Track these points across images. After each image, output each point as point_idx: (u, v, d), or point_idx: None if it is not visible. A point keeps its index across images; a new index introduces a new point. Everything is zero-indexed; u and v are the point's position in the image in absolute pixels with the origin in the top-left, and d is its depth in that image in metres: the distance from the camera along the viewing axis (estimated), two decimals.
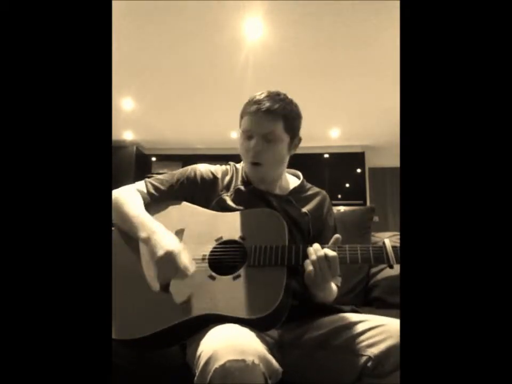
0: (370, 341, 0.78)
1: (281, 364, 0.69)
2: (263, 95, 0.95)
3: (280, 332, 0.89)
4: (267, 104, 0.93)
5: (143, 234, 0.86)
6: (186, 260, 0.82)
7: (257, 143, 0.94)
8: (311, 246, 0.82)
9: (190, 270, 0.81)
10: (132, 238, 0.91)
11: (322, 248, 0.80)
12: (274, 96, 0.95)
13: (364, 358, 0.77)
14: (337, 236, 0.83)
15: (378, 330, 0.79)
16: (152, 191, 0.99)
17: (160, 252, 0.81)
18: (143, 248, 0.88)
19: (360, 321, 0.83)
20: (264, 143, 0.94)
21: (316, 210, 1.02)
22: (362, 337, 0.80)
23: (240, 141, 0.99)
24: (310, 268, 0.79)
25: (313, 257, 0.79)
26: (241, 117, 0.99)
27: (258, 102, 0.93)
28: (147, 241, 0.85)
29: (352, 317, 0.86)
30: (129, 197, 0.96)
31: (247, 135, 0.96)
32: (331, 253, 0.79)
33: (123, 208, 0.92)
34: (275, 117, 0.93)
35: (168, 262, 0.80)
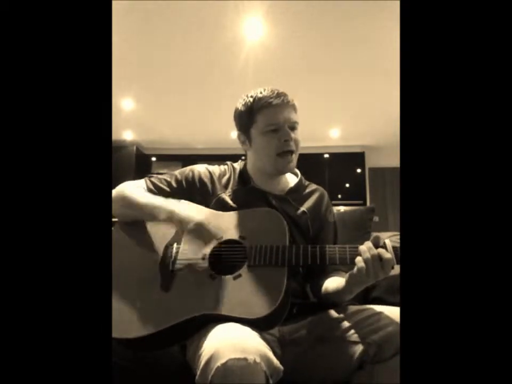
0: (370, 328, 0.80)
1: (282, 361, 0.69)
2: (270, 90, 0.98)
3: (281, 330, 0.89)
4: (286, 96, 0.97)
5: (162, 215, 0.88)
6: (214, 225, 0.87)
7: (289, 132, 0.96)
8: (312, 245, 0.83)
9: (221, 233, 0.87)
10: (132, 237, 0.92)
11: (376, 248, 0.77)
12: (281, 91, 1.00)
13: (365, 345, 0.79)
14: (376, 234, 0.82)
15: (377, 317, 0.81)
16: (152, 188, 1.00)
17: (191, 225, 0.84)
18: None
19: (358, 311, 0.85)
20: (291, 132, 0.97)
21: (314, 208, 1.02)
22: (361, 325, 0.82)
23: (261, 137, 0.97)
24: (362, 264, 0.76)
25: (367, 255, 0.76)
26: (255, 113, 0.97)
27: (279, 96, 0.96)
28: (170, 220, 0.88)
29: (351, 307, 0.89)
30: (135, 189, 0.98)
31: (274, 127, 0.96)
32: (386, 255, 0.75)
33: (133, 198, 0.95)
34: (294, 108, 0.99)
35: (202, 231, 0.85)
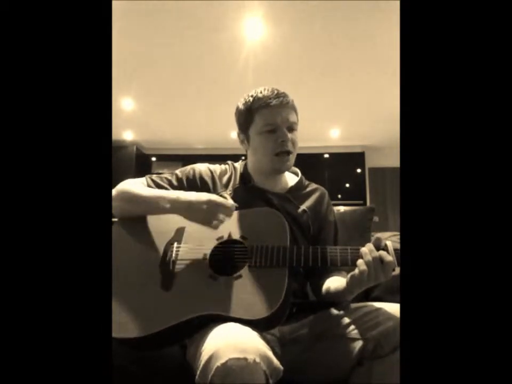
0: (369, 324, 0.81)
1: (282, 361, 0.69)
2: (270, 90, 0.98)
3: (281, 329, 0.89)
4: (286, 97, 0.98)
5: (167, 205, 0.88)
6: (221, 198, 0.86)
7: (286, 133, 0.97)
8: (313, 247, 0.83)
9: (232, 203, 0.85)
10: (132, 236, 0.92)
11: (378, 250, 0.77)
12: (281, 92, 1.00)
13: (364, 341, 0.80)
14: (378, 236, 0.80)
15: (376, 314, 0.82)
16: (153, 186, 1.00)
17: (204, 206, 0.83)
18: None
19: (358, 308, 0.86)
20: (288, 133, 0.97)
21: (315, 207, 1.03)
22: (361, 322, 0.82)
23: (258, 137, 0.99)
24: (363, 267, 0.75)
25: (368, 257, 0.75)
26: (253, 113, 0.98)
27: (277, 96, 0.97)
28: (176, 207, 0.87)
29: (349, 305, 0.89)
30: (136, 184, 0.98)
31: (271, 128, 0.97)
32: (388, 257, 0.75)
33: (134, 192, 0.94)
34: (294, 108, 1.00)
35: (214, 207, 0.83)
